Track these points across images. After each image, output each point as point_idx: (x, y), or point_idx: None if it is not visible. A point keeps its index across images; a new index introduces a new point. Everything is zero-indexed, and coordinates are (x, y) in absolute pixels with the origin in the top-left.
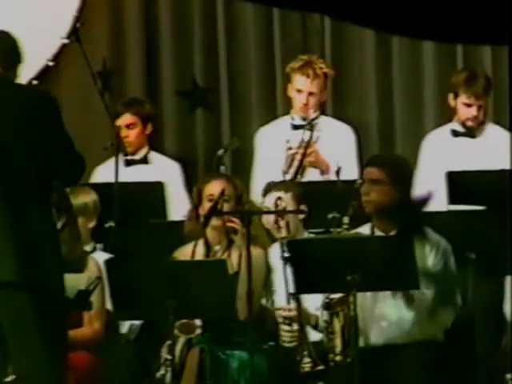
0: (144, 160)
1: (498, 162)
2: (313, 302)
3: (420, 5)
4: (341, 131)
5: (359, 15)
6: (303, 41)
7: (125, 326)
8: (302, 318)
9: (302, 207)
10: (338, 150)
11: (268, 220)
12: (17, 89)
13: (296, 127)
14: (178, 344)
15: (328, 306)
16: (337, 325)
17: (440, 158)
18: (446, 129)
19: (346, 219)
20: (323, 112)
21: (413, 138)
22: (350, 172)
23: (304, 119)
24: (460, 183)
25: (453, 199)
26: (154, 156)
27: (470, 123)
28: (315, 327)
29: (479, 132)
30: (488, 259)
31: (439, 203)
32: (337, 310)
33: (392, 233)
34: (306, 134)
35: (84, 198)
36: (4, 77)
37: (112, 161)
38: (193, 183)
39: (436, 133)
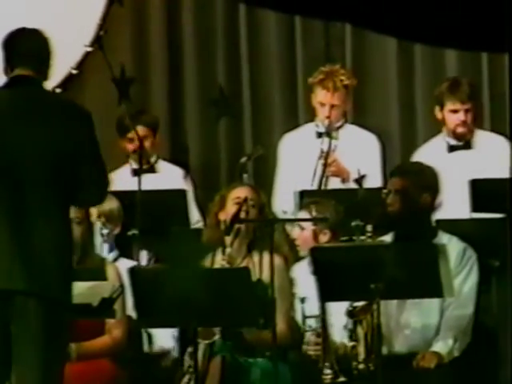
0: (151, 169)
1: (495, 170)
2: (338, 328)
3: (443, 13)
4: (365, 140)
5: (381, 23)
6: (325, 49)
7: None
8: (331, 351)
9: (326, 231)
10: (361, 158)
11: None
12: (52, 99)
13: (321, 135)
14: (199, 351)
15: (351, 313)
16: (360, 332)
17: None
18: (436, 143)
19: (369, 227)
20: (346, 120)
21: None
22: (374, 180)
23: (326, 127)
24: (483, 191)
25: (476, 207)
26: (161, 165)
27: (459, 130)
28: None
29: (473, 142)
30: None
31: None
32: (360, 317)
33: (412, 240)
34: (325, 144)
35: (110, 205)
36: (38, 83)
37: (122, 169)
38: (216, 191)
39: (427, 147)
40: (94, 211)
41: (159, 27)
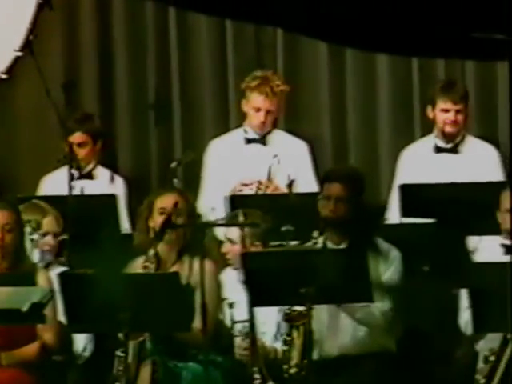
0: (88, 175)
1: (481, 177)
2: (270, 335)
3: (373, 18)
4: (294, 146)
5: (313, 28)
6: (256, 54)
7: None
8: (260, 355)
9: (257, 244)
10: (291, 164)
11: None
12: None
13: (249, 141)
14: (129, 355)
15: (288, 318)
16: (295, 337)
17: (419, 174)
18: (425, 143)
19: (315, 233)
20: (276, 126)
21: (366, 150)
22: (309, 186)
23: (257, 133)
24: (412, 196)
25: (405, 212)
26: (99, 171)
27: (448, 129)
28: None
29: (461, 147)
30: (441, 271)
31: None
32: (297, 322)
33: (343, 244)
34: (264, 172)
35: (52, 213)
36: None
37: (59, 172)
38: (146, 196)
39: (415, 147)
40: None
41: (90, 32)
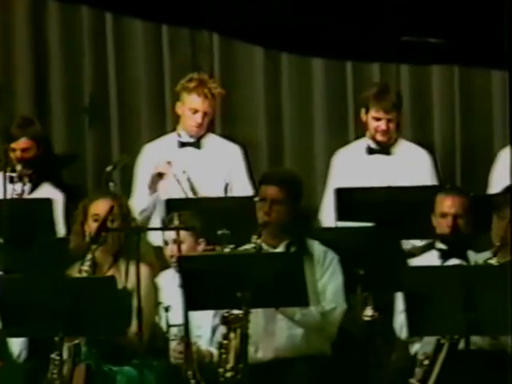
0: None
1: (413, 179)
2: (204, 336)
3: (309, 23)
4: (228, 150)
5: (248, 32)
6: (192, 57)
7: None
8: (194, 359)
9: (201, 240)
10: (225, 168)
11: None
12: None
13: (183, 144)
14: (63, 358)
15: (225, 321)
16: (232, 341)
17: (353, 175)
18: (358, 145)
19: (254, 237)
20: (211, 129)
21: (302, 154)
22: (243, 190)
23: (191, 136)
24: (348, 200)
25: (341, 216)
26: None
27: (379, 137)
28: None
29: (393, 149)
30: (376, 275)
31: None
32: (234, 326)
33: (280, 247)
34: (198, 176)
35: None
36: None
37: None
38: (81, 199)
39: (348, 149)
40: None
41: (24, 36)
